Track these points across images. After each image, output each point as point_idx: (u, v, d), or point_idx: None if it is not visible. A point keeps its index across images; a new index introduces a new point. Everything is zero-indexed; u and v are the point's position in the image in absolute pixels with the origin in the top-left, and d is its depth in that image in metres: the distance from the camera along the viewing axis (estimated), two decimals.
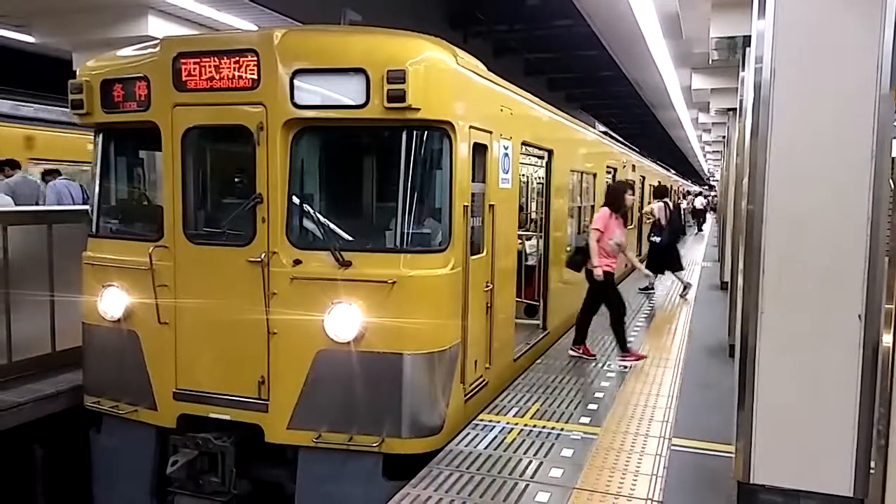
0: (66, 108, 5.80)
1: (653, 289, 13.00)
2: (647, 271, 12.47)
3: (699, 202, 37.34)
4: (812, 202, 3.70)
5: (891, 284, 3.14)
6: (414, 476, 4.70)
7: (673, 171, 33.33)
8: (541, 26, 15.87)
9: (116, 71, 5.52)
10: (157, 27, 9.79)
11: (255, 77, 4.98)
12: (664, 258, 12.86)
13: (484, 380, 6.02)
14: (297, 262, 5.05)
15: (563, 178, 9.02)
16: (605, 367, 7.50)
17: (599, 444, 5.29)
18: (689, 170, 54.70)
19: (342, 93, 4.91)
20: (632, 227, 16.28)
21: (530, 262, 9.08)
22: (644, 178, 18.25)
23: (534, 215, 10.68)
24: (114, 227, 6.06)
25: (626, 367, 7.53)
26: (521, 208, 8.47)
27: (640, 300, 12.18)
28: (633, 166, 16.08)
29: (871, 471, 3.54)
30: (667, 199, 13.79)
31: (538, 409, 6.06)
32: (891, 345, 3.12)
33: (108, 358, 5.72)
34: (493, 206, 5.98)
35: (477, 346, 5.78)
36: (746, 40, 7.30)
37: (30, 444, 6.16)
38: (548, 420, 5.80)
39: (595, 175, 11.29)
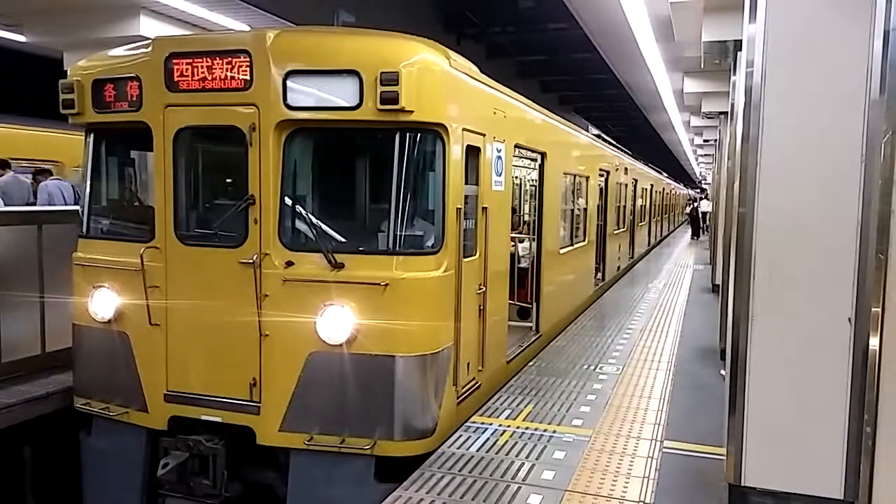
0: None
1: None
2: None
3: (706, 205, 31.25)
4: (802, 206, 3.72)
5: (877, 288, 3.16)
6: (406, 478, 4.69)
7: (665, 174, 33.41)
8: (534, 29, 15.93)
9: (108, 71, 5.49)
10: (150, 27, 9.77)
11: (248, 78, 4.97)
12: None
13: (476, 382, 6.02)
14: (290, 263, 5.04)
15: (556, 180, 9.04)
16: (597, 370, 7.51)
17: (591, 446, 5.29)
18: (680, 173, 54.90)
19: (335, 94, 4.90)
20: (624, 230, 16.35)
21: (523, 265, 9.09)
22: (636, 180, 18.30)
23: (527, 217, 10.69)
24: (104, 227, 6.02)
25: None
26: (513, 211, 8.48)
27: (633, 303, 12.22)
28: (626, 169, 16.13)
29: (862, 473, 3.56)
30: None
31: (530, 412, 6.07)
32: (877, 348, 3.14)
33: (98, 359, 5.69)
34: (485, 208, 5.98)
35: (469, 349, 5.78)
36: (738, 44, 7.34)
37: (20, 445, 6.11)
38: (540, 422, 5.81)
39: (588, 178, 11.32)
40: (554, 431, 5.60)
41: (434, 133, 5.11)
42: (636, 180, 18.20)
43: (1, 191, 9.74)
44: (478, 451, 5.16)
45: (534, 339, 8.29)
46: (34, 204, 10.18)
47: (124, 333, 5.48)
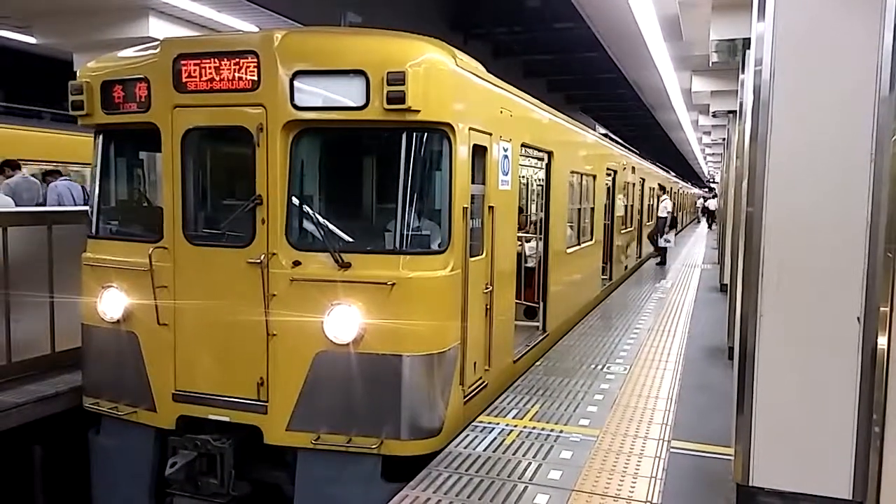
0: None
1: None
2: None
3: (712, 203, 38.42)
4: (811, 204, 3.71)
5: (886, 287, 3.14)
6: (413, 478, 4.69)
7: (673, 174, 33.32)
8: (541, 28, 15.87)
9: (117, 72, 5.52)
10: (158, 28, 9.81)
11: (256, 78, 4.98)
12: None
13: (483, 381, 6.02)
14: (297, 263, 5.05)
15: (563, 179, 9.03)
16: (605, 370, 7.50)
17: (599, 446, 5.28)
18: (689, 172, 54.71)
19: (342, 94, 4.91)
20: (631, 229, 16.31)
21: (530, 264, 9.08)
22: (644, 179, 18.25)
23: (533, 217, 10.68)
24: (113, 228, 6.06)
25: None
26: (520, 210, 8.47)
27: (641, 302, 12.19)
28: (633, 168, 16.09)
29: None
30: None
31: (537, 411, 6.06)
32: (885, 347, 3.12)
33: (107, 359, 5.72)
34: (492, 207, 5.98)
35: (476, 348, 5.78)
36: (746, 43, 7.30)
37: (29, 444, 6.15)
38: (547, 422, 5.80)
39: (595, 177, 11.30)
40: (561, 431, 5.59)
41: (440, 132, 5.11)
42: (644, 179, 18.14)
43: (11, 191, 9.80)
44: (485, 450, 5.16)
45: (541, 338, 8.28)
46: (44, 204, 10.25)
47: (133, 333, 5.51)
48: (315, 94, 4.95)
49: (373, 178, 5.70)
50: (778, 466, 3.84)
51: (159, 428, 5.44)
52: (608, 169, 12.65)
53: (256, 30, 9.73)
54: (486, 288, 5.96)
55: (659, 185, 22.10)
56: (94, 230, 5.93)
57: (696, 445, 5.34)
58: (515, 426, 5.68)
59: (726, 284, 11.68)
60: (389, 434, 4.94)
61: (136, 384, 5.47)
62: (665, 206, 19.84)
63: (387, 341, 4.91)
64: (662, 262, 19.07)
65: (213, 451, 5.16)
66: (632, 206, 16.07)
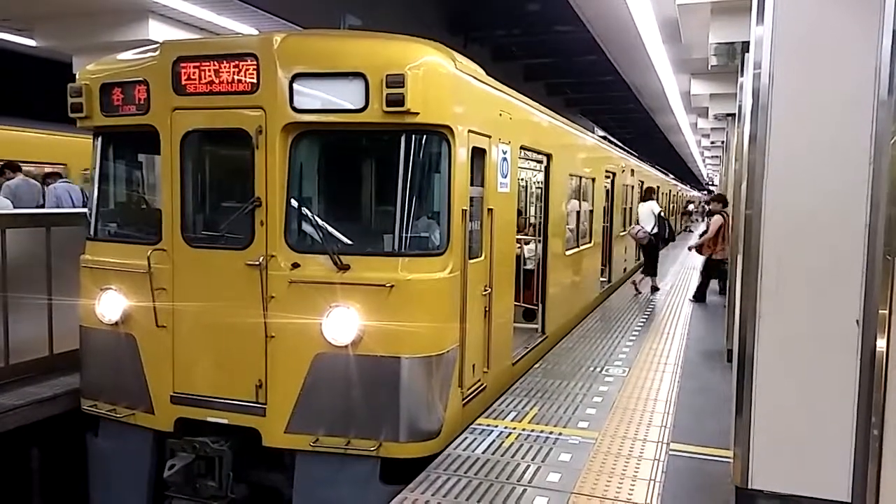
0: None
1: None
2: None
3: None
4: (810, 207, 3.71)
5: (885, 290, 3.14)
6: (411, 480, 4.69)
7: (672, 176, 33.36)
8: (540, 31, 15.90)
9: (116, 74, 5.52)
10: (158, 31, 9.83)
11: (255, 81, 4.99)
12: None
13: (482, 384, 6.01)
14: (296, 265, 5.05)
15: (562, 182, 9.03)
16: (603, 372, 7.49)
17: (597, 448, 5.28)
18: (688, 175, 54.80)
19: (341, 97, 4.91)
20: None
21: (529, 266, 9.08)
22: (642, 182, 18.24)
23: (532, 219, 10.68)
24: (112, 230, 6.06)
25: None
26: (519, 212, 8.47)
27: (639, 304, 12.18)
28: (632, 171, 16.10)
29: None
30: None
31: (536, 414, 6.05)
32: (885, 350, 3.12)
33: (105, 361, 5.72)
34: (491, 210, 5.98)
35: (475, 350, 5.77)
36: (745, 46, 7.32)
37: (27, 446, 6.14)
38: (546, 424, 5.79)
39: (594, 179, 11.30)
40: (560, 434, 5.59)
41: (440, 135, 5.11)
42: (642, 182, 18.14)
43: (12, 194, 9.81)
44: (483, 453, 5.15)
45: (539, 340, 8.28)
46: (43, 206, 10.25)
47: (131, 335, 5.50)
48: (314, 96, 4.96)
49: (372, 180, 5.70)
50: (777, 469, 3.84)
51: (157, 430, 5.43)
52: (607, 171, 12.65)
53: (256, 32, 9.75)
54: (485, 290, 5.96)
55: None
56: (92, 232, 5.92)
57: (695, 448, 5.34)
58: (514, 428, 5.67)
59: (725, 286, 11.68)
60: (388, 436, 4.94)
61: (135, 386, 5.46)
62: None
63: (385, 343, 4.90)
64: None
65: (211, 453, 5.16)
66: (630, 208, 16.07)
